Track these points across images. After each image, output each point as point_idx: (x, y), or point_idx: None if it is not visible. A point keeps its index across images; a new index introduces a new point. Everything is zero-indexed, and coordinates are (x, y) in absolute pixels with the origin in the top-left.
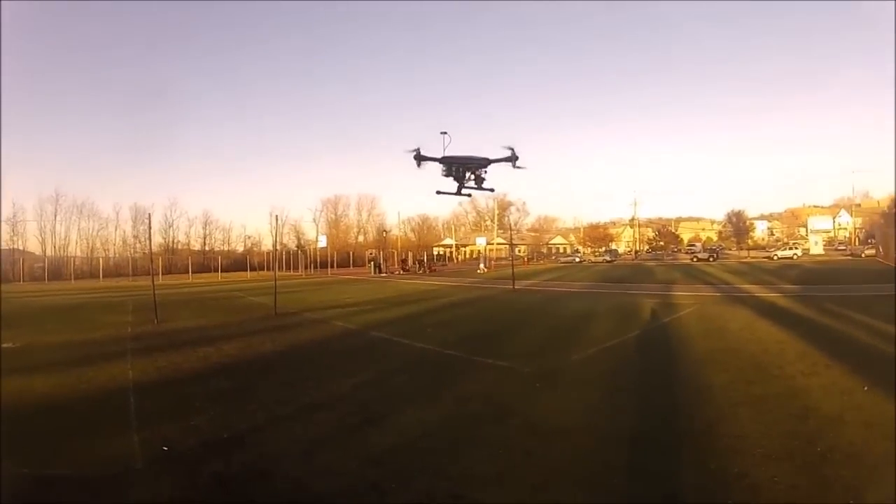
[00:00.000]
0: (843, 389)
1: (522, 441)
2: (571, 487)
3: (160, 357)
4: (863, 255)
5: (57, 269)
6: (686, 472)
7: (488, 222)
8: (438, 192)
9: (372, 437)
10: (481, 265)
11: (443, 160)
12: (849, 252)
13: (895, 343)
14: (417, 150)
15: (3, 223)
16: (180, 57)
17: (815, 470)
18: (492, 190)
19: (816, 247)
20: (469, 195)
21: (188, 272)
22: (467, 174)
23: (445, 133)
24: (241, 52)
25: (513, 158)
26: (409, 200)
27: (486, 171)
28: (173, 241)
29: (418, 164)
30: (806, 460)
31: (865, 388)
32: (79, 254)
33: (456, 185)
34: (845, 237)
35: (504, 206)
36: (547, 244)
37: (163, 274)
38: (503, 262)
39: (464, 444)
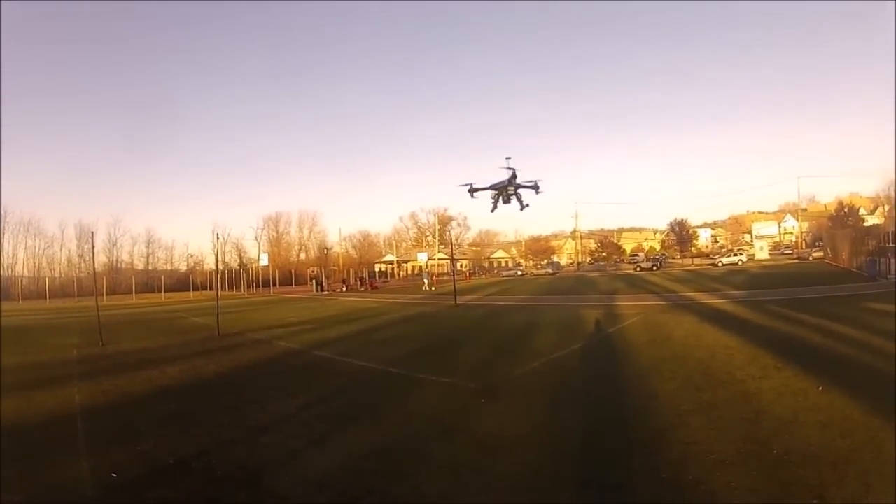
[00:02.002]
0: (796, 391)
1: (469, 458)
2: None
3: (105, 380)
4: (810, 258)
5: (6, 290)
6: (639, 483)
7: (429, 238)
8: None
9: (316, 459)
10: (425, 281)
11: (492, 187)
12: (796, 256)
13: (849, 343)
14: (471, 185)
15: None
16: (121, 76)
17: (774, 472)
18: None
19: (762, 252)
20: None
21: (132, 292)
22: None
23: (510, 158)
24: (179, 72)
25: (536, 187)
26: (351, 216)
27: (516, 189)
28: (117, 261)
29: (472, 196)
30: (763, 463)
31: (819, 389)
32: (26, 273)
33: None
34: (791, 241)
35: (445, 221)
36: (489, 258)
37: (107, 294)
38: (445, 278)
39: (410, 463)
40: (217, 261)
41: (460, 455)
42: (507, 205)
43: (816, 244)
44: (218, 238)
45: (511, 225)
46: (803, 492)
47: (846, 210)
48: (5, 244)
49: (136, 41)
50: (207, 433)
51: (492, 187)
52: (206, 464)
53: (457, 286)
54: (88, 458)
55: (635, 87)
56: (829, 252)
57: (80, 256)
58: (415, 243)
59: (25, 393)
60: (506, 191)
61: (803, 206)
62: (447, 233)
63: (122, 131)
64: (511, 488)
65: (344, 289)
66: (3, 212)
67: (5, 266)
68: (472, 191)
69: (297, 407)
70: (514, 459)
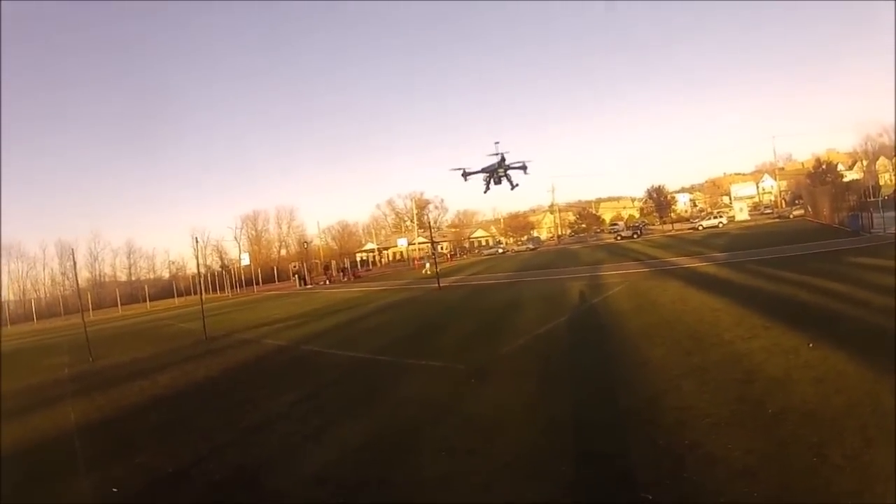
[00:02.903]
0: (787, 349)
1: (464, 440)
2: (521, 481)
3: (99, 396)
4: (791, 217)
5: None
6: (635, 451)
7: (408, 223)
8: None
9: (313, 454)
10: (427, 264)
11: (483, 170)
12: (776, 215)
13: (838, 298)
14: (463, 170)
15: None
16: (87, 85)
17: (771, 432)
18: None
19: (742, 213)
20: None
21: (117, 305)
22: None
23: (498, 142)
24: (146, 75)
25: (524, 167)
26: (328, 208)
27: (506, 171)
28: (100, 274)
29: (465, 180)
30: (759, 423)
31: (810, 345)
32: (11, 297)
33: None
34: (771, 201)
35: (422, 205)
36: (468, 238)
37: (93, 309)
38: (425, 262)
39: (405, 450)
40: (198, 264)
41: (455, 438)
42: (498, 185)
43: (796, 202)
44: (197, 242)
45: (489, 203)
46: (802, 449)
47: (824, 167)
48: None
49: (104, 50)
50: (203, 438)
51: (483, 170)
52: (205, 469)
53: (442, 268)
54: (89, 476)
55: (605, 55)
56: (810, 209)
57: (63, 274)
58: (394, 229)
59: (21, 417)
60: (496, 173)
61: (780, 165)
62: (425, 216)
63: (93, 144)
64: (508, 466)
65: (327, 282)
66: None
67: None
68: (465, 175)
69: (289, 403)
70: (508, 437)
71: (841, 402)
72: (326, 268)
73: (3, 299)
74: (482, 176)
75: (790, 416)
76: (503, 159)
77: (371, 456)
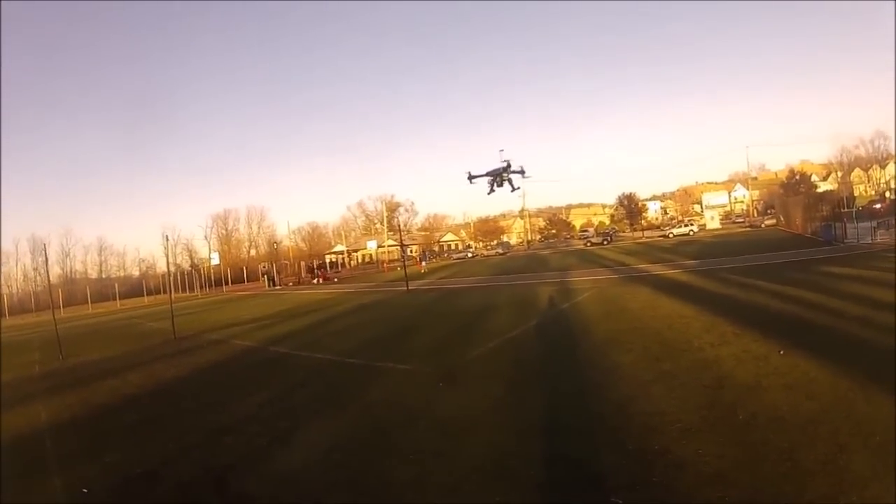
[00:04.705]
0: (757, 356)
1: (433, 443)
2: (489, 484)
3: (69, 394)
4: (763, 226)
5: None
6: (605, 455)
7: (378, 225)
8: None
9: (282, 456)
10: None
11: (489, 174)
12: (748, 224)
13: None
14: (469, 172)
15: None
16: (64, 81)
17: (741, 437)
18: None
19: (713, 221)
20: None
21: (88, 302)
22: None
23: (502, 150)
24: (121, 74)
25: (523, 172)
26: (298, 209)
27: (509, 175)
28: (71, 271)
29: (470, 182)
30: (729, 429)
31: (781, 352)
32: None
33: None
34: (743, 210)
35: (392, 208)
36: (438, 242)
37: (64, 306)
38: (396, 265)
39: (374, 452)
40: (168, 263)
41: (424, 441)
42: (501, 188)
43: (768, 212)
44: (167, 240)
45: (459, 207)
46: (774, 455)
47: (798, 177)
48: None
49: (78, 47)
50: (172, 439)
51: (488, 174)
52: (174, 470)
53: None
54: (59, 475)
55: (579, 61)
56: (782, 219)
57: (36, 270)
58: (364, 232)
59: None
60: (501, 177)
61: (753, 174)
62: (395, 219)
63: (68, 140)
64: (476, 469)
65: (297, 281)
66: None
67: None
68: (471, 178)
69: (257, 405)
70: (477, 440)
71: (812, 409)
72: (310, 269)
73: None
74: (486, 179)
75: (761, 421)
76: (509, 165)
77: (339, 458)
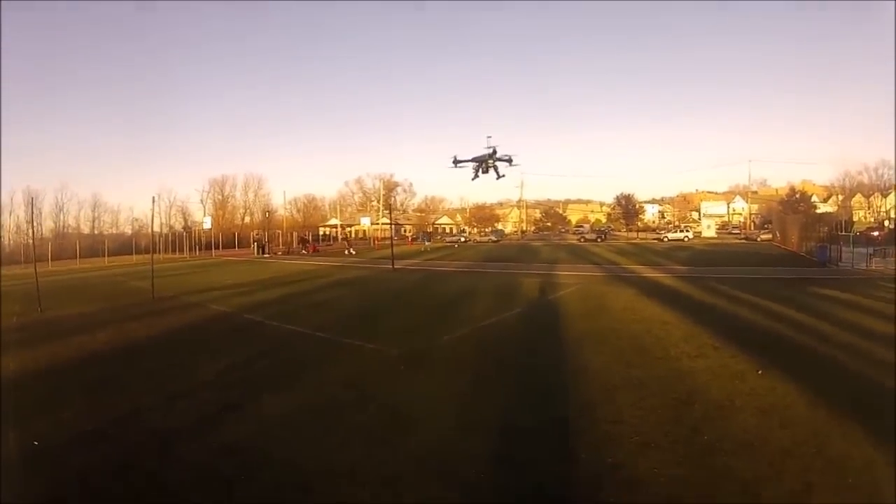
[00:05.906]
0: (734, 373)
1: (381, 428)
2: (427, 480)
3: (40, 348)
4: (758, 239)
5: None
6: (553, 462)
7: (374, 203)
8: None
9: (229, 425)
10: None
11: (474, 160)
12: (743, 236)
13: (797, 327)
14: (455, 157)
15: None
16: (66, 42)
17: (703, 461)
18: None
19: (709, 230)
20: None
21: (76, 257)
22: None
23: (490, 137)
24: (127, 37)
25: (510, 160)
26: (297, 180)
27: (495, 162)
28: (63, 225)
29: (456, 166)
30: (691, 450)
31: (759, 372)
32: None
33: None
34: (740, 222)
35: (390, 187)
36: (433, 224)
37: (52, 259)
38: (386, 242)
39: (320, 432)
40: (151, 224)
41: (372, 425)
42: (486, 174)
43: (765, 226)
44: (154, 201)
45: (457, 192)
46: (734, 485)
47: (798, 195)
48: None
49: (81, 10)
50: (128, 399)
51: (474, 159)
52: (123, 430)
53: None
54: (14, 427)
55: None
56: (778, 235)
57: (28, 222)
58: (359, 208)
59: None
60: (486, 163)
61: (754, 188)
62: (392, 198)
63: (68, 97)
64: (418, 462)
65: (287, 251)
66: None
67: None
68: (456, 162)
69: (216, 372)
70: (426, 432)
71: (784, 438)
72: (302, 240)
73: None
74: (472, 165)
75: (727, 446)
76: (494, 151)
77: (286, 433)
